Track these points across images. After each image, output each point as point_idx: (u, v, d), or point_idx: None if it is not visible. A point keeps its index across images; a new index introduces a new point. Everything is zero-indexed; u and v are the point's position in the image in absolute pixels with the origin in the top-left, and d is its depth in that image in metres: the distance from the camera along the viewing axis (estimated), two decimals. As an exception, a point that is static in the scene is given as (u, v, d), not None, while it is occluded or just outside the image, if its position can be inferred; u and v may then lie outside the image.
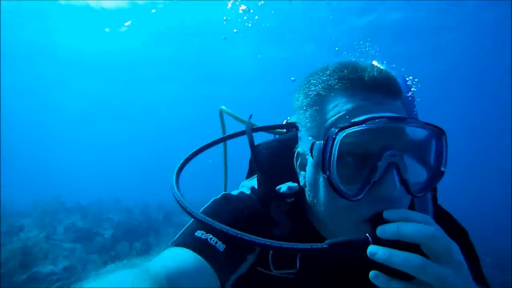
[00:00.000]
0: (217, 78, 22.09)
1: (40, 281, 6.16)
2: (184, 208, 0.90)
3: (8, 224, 8.77)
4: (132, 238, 8.98)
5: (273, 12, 14.23)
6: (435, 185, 0.85)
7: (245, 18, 13.13)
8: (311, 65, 0.99)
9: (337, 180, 0.77)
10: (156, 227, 10.35)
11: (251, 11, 13.07)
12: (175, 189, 1.00)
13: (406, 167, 0.80)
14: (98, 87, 24.66)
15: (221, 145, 1.58)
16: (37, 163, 47.53)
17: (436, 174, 0.83)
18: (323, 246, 0.75)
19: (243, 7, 12.67)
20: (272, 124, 1.46)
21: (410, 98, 0.95)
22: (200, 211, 0.99)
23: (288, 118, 1.58)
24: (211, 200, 1.05)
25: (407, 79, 1.08)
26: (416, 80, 1.19)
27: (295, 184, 0.99)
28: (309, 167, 0.90)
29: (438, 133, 0.81)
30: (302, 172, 0.95)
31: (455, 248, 0.69)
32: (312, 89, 0.90)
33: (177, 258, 0.82)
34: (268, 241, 0.78)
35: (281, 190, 0.99)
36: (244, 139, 1.20)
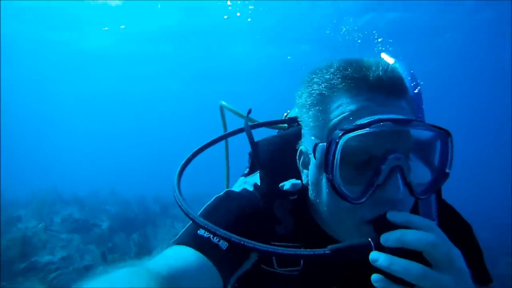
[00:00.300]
0: (217, 72, 22.11)
1: (38, 270, 6.28)
2: (187, 214, 0.88)
3: (7, 214, 8.85)
4: (129, 229, 9.09)
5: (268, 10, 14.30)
6: (439, 186, 0.84)
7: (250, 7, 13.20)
8: (311, 61, 0.99)
9: (340, 183, 0.77)
10: (153, 219, 10.46)
11: (251, 7, 13.17)
12: (177, 193, 0.98)
13: (410, 169, 0.79)
14: (96, 80, 24.60)
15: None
16: (34, 154, 47.44)
17: (440, 176, 0.82)
18: (326, 252, 0.74)
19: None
20: (272, 119, 1.43)
21: (416, 96, 0.92)
22: (203, 208, 1.00)
23: (288, 111, 1.56)
24: (214, 197, 1.04)
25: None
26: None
27: (299, 182, 0.98)
28: (311, 167, 0.90)
29: (443, 135, 0.80)
30: (305, 171, 0.95)
31: (456, 254, 0.69)
32: (315, 87, 0.89)
33: (179, 256, 0.82)
34: (270, 248, 0.77)
35: (285, 188, 0.98)
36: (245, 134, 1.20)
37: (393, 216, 0.72)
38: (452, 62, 18.37)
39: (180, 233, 0.93)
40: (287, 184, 0.98)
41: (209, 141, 1.22)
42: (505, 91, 21.62)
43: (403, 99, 0.83)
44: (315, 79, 0.90)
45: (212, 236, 0.87)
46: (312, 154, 0.85)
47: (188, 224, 0.94)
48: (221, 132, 1.53)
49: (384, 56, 1.04)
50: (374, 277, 0.71)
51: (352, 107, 0.80)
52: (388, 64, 0.84)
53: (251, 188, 1.07)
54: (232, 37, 17.59)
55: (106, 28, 17.01)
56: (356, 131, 0.73)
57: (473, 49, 17.04)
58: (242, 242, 0.78)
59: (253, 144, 1.10)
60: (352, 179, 0.78)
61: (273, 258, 1.01)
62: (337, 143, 0.74)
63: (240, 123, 1.28)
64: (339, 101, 0.82)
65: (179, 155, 1.26)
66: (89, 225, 9.32)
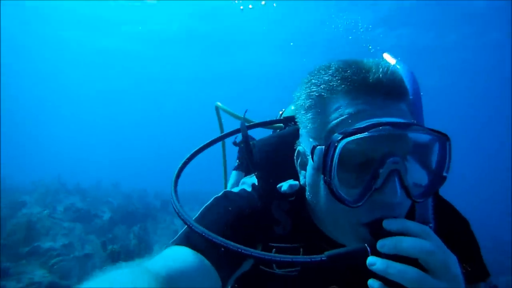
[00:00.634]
0: (225, 75, 22.32)
1: (40, 255, 6.45)
2: (184, 220, 0.88)
3: (13, 199, 9.05)
4: (130, 222, 9.25)
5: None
6: (436, 189, 0.84)
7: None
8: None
9: (338, 186, 0.77)
10: (153, 214, 10.60)
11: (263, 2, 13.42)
12: (174, 199, 0.97)
13: (408, 172, 0.79)
14: (102, 73, 24.85)
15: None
16: (41, 144, 47.79)
17: (437, 179, 0.82)
18: (322, 258, 0.75)
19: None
20: (269, 118, 1.42)
21: (416, 98, 0.90)
22: (202, 209, 1.00)
23: (283, 110, 1.54)
24: (213, 198, 1.04)
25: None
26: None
27: (296, 182, 0.98)
28: (309, 168, 0.89)
29: (442, 139, 0.80)
30: (303, 171, 0.94)
31: (452, 261, 0.70)
32: (314, 89, 0.88)
33: (178, 257, 0.82)
34: (267, 255, 0.78)
35: (282, 189, 0.98)
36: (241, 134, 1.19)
37: (389, 224, 0.73)
38: (454, 61, 18.23)
39: (178, 234, 0.93)
40: (284, 185, 0.98)
41: (205, 143, 1.22)
42: (507, 91, 21.43)
43: (402, 101, 0.82)
44: (314, 80, 0.89)
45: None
46: (310, 156, 0.85)
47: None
48: (218, 133, 1.54)
49: (387, 56, 1.02)
50: (371, 282, 0.72)
51: (351, 109, 0.79)
52: (388, 66, 0.83)
53: (249, 189, 1.07)
54: (245, 43, 17.84)
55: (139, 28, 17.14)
56: (355, 135, 0.73)
57: (475, 53, 16.95)
58: (240, 250, 0.79)
59: (247, 145, 1.10)
60: (350, 182, 0.79)
61: None
62: (336, 146, 0.74)
63: (237, 124, 1.25)
64: (338, 103, 0.82)
65: (182, 151, 1.25)
66: (91, 216, 9.50)
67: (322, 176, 0.79)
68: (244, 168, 1.96)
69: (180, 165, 1.10)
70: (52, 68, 23.96)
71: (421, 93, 0.94)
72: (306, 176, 0.91)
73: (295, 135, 1.01)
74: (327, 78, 0.85)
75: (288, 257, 0.77)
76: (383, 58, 1.03)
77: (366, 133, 0.73)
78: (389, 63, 0.87)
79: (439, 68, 18.30)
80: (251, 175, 1.14)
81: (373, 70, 0.80)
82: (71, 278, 6.07)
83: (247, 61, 20.22)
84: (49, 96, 33.28)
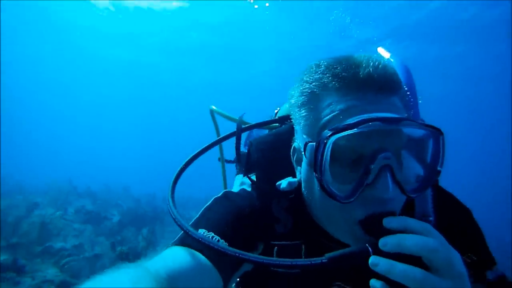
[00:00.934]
0: (235, 84, 22.58)
1: (52, 255, 6.69)
2: (181, 226, 0.86)
3: (27, 200, 9.33)
4: (139, 225, 9.44)
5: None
6: (430, 184, 0.83)
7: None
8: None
9: (330, 182, 0.77)
10: (162, 217, 10.77)
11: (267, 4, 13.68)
12: (171, 204, 0.97)
13: (401, 167, 0.79)
14: (114, 80, 25.29)
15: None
16: (53, 148, 48.61)
17: (432, 174, 0.81)
18: (323, 261, 0.73)
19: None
20: (266, 118, 1.41)
21: (410, 91, 0.88)
22: (202, 209, 1.00)
23: (278, 108, 1.55)
24: (213, 198, 1.04)
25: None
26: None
27: (295, 180, 0.97)
28: (303, 164, 0.90)
29: (435, 133, 0.79)
30: (299, 167, 0.95)
31: (456, 258, 0.68)
32: (306, 86, 0.88)
33: (178, 257, 0.81)
34: (266, 259, 0.76)
35: (281, 186, 0.98)
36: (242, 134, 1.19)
37: (389, 222, 0.72)
38: (454, 60, 18.04)
39: (179, 234, 0.92)
40: (283, 183, 0.98)
41: (201, 148, 1.21)
42: (507, 90, 21.12)
43: (395, 95, 0.82)
44: (306, 78, 0.89)
45: (211, 236, 0.87)
46: (303, 153, 0.85)
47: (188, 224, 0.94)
48: (215, 137, 1.53)
49: (381, 50, 1.00)
50: (373, 282, 0.72)
51: (342, 105, 0.79)
52: (380, 60, 0.82)
53: (249, 188, 1.08)
54: (257, 53, 18.07)
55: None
56: (345, 132, 0.73)
57: (475, 52, 16.74)
58: (237, 255, 0.77)
59: (238, 149, 1.10)
60: (342, 178, 0.78)
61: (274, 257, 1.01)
62: (325, 143, 0.74)
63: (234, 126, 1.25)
64: (329, 100, 0.82)
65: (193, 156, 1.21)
66: (101, 218, 9.72)
67: (314, 172, 0.80)
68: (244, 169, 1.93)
69: (177, 171, 1.09)
70: (65, 76, 24.54)
71: (415, 86, 0.92)
72: (301, 172, 0.92)
73: (291, 132, 1.02)
74: (318, 75, 0.86)
75: (287, 261, 0.75)
76: (377, 52, 1.00)
77: (356, 129, 0.73)
78: (381, 57, 0.87)
79: (443, 77, 18.30)
80: (251, 175, 1.12)
81: (364, 65, 0.80)
82: (81, 278, 6.26)
83: (260, 71, 20.47)
84: (62, 102, 33.98)
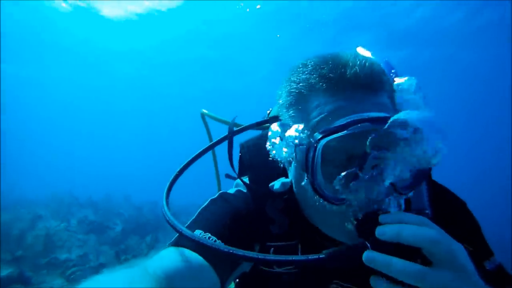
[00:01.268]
0: (231, 79, 22.62)
1: (57, 266, 6.75)
2: (174, 227, 0.85)
3: (30, 212, 9.37)
4: (142, 233, 9.50)
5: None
6: (422, 181, 0.82)
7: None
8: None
9: (321, 183, 0.77)
10: (164, 225, 10.72)
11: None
12: (165, 207, 0.96)
13: (392, 165, 0.77)
14: (112, 85, 25.30)
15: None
16: (52, 158, 48.55)
17: (422, 170, 0.80)
18: (320, 257, 0.73)
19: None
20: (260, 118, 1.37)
21: (397, 87, 0.87)
22: (198, 210, 1.00)
23: (271, 109, 1.53)
24: (209, 200, 1.04)
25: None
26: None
27: (288, 180, 0.97)
28: (294, 166, 0.90)
29: None
30: (290, 168, 0.95)
31: (459, 250, 0.66)
32: (293, 87, 0.87)
33: (175, 257, 0.81)
34: (261, 255, 0.75)
35: (275, 187, 0.97)
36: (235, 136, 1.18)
37: (385, 218, 0.71)
38: (455, 58, 18.06)
39: (176, 235, 0.91)
40: (276, 184, 0.98)
41: (195, 154, 1.18)
42: (507, 90, 21.26)
43: (383, 93, 0.81)
44: (293, 78, 0.89)
45: (208, 236, 0.86)
46: (294, 155, 0.85)
47: (184, 226, 0.92)
48: (207, 141, 1.51)
49: (360, 50, 1.00)
50: (373, 279, 0.70)
51: (330, 106, 0.79)
52: (365, 59, 0.81)
53: (245, 190, 1.07)
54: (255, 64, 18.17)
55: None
56: (334, 134, 0.73)
57: (474, 53, 16.78)
58: (232, 251, 0.76)
59: (230, 153, 1.08)
60: (334, 179, 0.77)
61: None
62: (316, 147, 0.74)
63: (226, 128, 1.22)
64: (317, 101, 0.81)
65: (194, 164, 1.19)
66: (104, 227, 9.78)
67: (305, 174, 0.79)
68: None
69: (172, 177, 1.07)
70: (63, 85, 24.60)
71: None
72: (292, 173, 0.93)
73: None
74: (305, 76, 0.85)
75: (283, 257, 0.75)
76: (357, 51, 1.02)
77: (346, 131, 0.73)
78: (367, 55, 0.87)
79: (437, 78, 18.46)
80: (246, 176, 1.11)
81: (350, 65, 0.79)
82: (87, 287, 6.32)
83: (257, 80, 20.62)
84: (60, 112, 34.00)
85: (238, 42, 16.59)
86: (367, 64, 0.80)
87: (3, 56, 18.59)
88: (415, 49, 15.97)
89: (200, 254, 0.83)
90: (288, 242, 0.99)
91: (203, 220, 0.94)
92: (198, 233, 0.87)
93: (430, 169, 0.81)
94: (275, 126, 0.95)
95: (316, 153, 0.75)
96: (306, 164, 0.77)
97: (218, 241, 0.86)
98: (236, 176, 1.09)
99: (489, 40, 15.25)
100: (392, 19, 13.74)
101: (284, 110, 0.91)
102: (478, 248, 0.98)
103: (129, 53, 19.53)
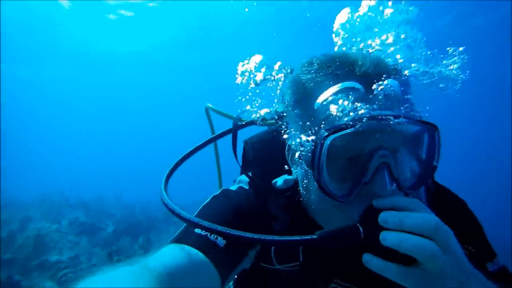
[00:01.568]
0: (224, 78, 22.54)
1: (48, 268, 6.65)
2: (178, 215, 0.86)
3: (20, 214, 9.24)
4: (134, 233, 9.41)
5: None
6: (427, 180, 0.82)
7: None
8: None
9: (327, 182, 0.77)
10: (157, 225, 10.74)
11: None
12: (164, 195, 0.96)
13: (398, 164, 0.78)
14: (102, 84, 25.07)
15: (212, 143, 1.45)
16: (41, 158, 47.94)
17: (428, 169, 0.81)
18: (313, 237, 0.73)
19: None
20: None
21: (405, 85, 0.85)
22: (200, 207, 1.00)
23: (276, 106, 1.66)
24: (211, 196, 1.04)
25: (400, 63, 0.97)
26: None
27: (291, 177, 0.97)
28: (300, 163, 0.89)
29: (430, 129, 0.78)
30: (295, 166, 0.95)
31: (451, 235, 0.68)
32: (300, 85, 0.87)
33: (176, 254, 0.81)
34: (256, 236, 0.76)
35: (277, 184, 0.97)
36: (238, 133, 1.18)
37: (379, 203, 0.72)
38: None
39: (177, 232, 0.92)
40: (279, 181, 0.97)
41: (196, 146, 1.19)
42: (507, 89, 21.47)
43: (390, 91, 0.80)
44: (298, 76, 0.88)
45: (209, 234, 0.86)
46: (300, 152, 0.85)
47: (185, 224, 0.92)
48: (209, 135, 1.49)
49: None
50: (366, 257, 0.70)
51: (337, 104, 0.78)
52: (374, 57, 0.81)
53: (246, 186, 1.07)
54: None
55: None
56: (341, 132, 0.73)
57: (475, 51, 17.08)
58: (228, 232, 0.78)
59: (235, 146, 1.10)
60: (340, 176, 0.78)
61: (272, 255, 1.00)
62: (322, 144, 0.74)
63: (229, 124, 1.22)
64: (324, 99, 0.81)
65: (185, 163, 1.20)
66: (95, 229, 9.66)
67: (311, 171, 0.79)
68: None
69: (172, 165, 1.09)
70: (52, 83, 24.27)
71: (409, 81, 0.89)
72: (298, 171, 0.92)
73: (286, 130, 1.01)
74: (311, 74, 0.84)
75: (276, 237, 0.75)
76: (366, 49, 1.01)
77: (352, 128, 0.72)
78: (374, 53, 0.87)
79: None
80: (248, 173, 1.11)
81: (359, 63, 0.79)
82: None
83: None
84: (50, 113, 33.57)
85: (235, 43, 16.47)
86: (374, 62, 0.79)
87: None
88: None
89: (201, 251, 0.83)
90: None
91: (205, 216, 0.93)
92: (200, 230, 0.87)
93: (434, 168, 0.81)
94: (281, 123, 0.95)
95: (323, 151, 0.74)
96: (312, 161, 0.77)
97: (220, 238, 0.86)
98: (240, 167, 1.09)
99: (489, 40, 15.41)
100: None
101: (290, 108, 0.91)
102: (481, 249, 0.97)
103: (125, 54, 19.37)
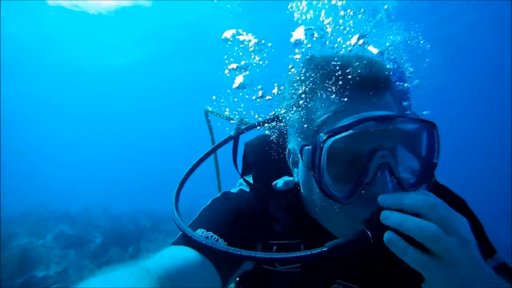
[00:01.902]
0: (212, 86, 22.41)
1: (36, 284, 6.48)
2: (179, 226, 0.87)
3: (3, 230, 8.99)
4: (123, 244, 9.26)
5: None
6: (428, 177, 0.83)
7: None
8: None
9: (329, 184, 0.77)
10: (145, 234, 10.62)
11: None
12: (175, 212, 0.97)
13: (399, 163, 0.79)
14: (90, 94, 24.73)
15: (209, 144, 1.54)
16: (24, 171, 46.80)
17: (428, 166, 0.81)
18: (323, 250, 0.73)
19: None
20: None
21: (401, 86, 0.88)
22: (201, 210, 1.00)
23: (276, 109, 1.64)
24: (212, 199, 1.04)
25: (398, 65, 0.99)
26: (410, 71, 1.12)
27: (291, 178, 0.97)
28: (301, 167, 0.89)
29: (429, 127, 0.79)
30: (296, 169, 0.95)
31: (459, 219, 0.67)
32: (297, 88, 0.88)
33: (177, 256, 0.81)
34: (268, 255, 0.77)
35: (278, 186, 0.98)
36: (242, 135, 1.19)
37: (384, 200, 0.71)
38: (456, 56, 18.14)
39: (178, 234, 0.92)
40: (280, 182, 0.98)
41: (201, 156, 1.20)
42: (507, 88, 21.68)
43: (386, 92, 0.82)
44: (296, 78, 0.89)
45: (210, 235, 0.87)
46: (300, 155, 0.85)
47: (187, 225, 0.93)
48: (208, 139, 1.54)
49: (370, 48, 1.00)
50: (388, 235, 0.67)
51: (335, 106, 0.79)
52: (369, 59, 0.82)
53: (247, 189, 1.07)
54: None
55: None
56: (340, 134, 0.74)
57: (477, 44, 16.92)
58: (239, 253, 0.78)
59: (235, 151, 1.11)
60: (341, 178, 0.78)
61: None
62: (322, 147, 0.75)
63: (228, 125, 1.22)
64: (321, 102, 0.82)
65: (171, 171, 1.25)
66: (83, 241, 9.46)
67: (312, 174, 0.79)
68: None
69: (178, 184, 1.09)
70: (35, 95, 23.75)
71: (406, 82, 0.90)
72: (299, 174, 0.92)
73: (285, 133, 1.03)
74: (308, 76, 0.85)
75: (288, 254, 0.75)
76: (366, 50, 1.02)
77: (351, 130, 0.73)
78: (370, 54, 0.89)
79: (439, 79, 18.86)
80: (248, 176, 1.12)
81: (354, 65, 0.80)
82: (69, 304, 6.09)
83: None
84: (32, 123, 32.84)
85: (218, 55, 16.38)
86: (369, 64, 0.80)
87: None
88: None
89: (202, 253, 0.83)
90: (291, 241, 0.99)
91: (206, 219, 0.94)
92: (201, 232, 0.87)
93: (435, 166, 0.81)
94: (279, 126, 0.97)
95: (323, 153, 0.75)
96: (313, 164, 0.77)
97: (221, 240, 0.87)
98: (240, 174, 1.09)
99: (489, 40, 15.69)
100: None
101: (288, 110, 0.92)
102: (481, 246, 0.97)
103: (111, 66, 19.09)
